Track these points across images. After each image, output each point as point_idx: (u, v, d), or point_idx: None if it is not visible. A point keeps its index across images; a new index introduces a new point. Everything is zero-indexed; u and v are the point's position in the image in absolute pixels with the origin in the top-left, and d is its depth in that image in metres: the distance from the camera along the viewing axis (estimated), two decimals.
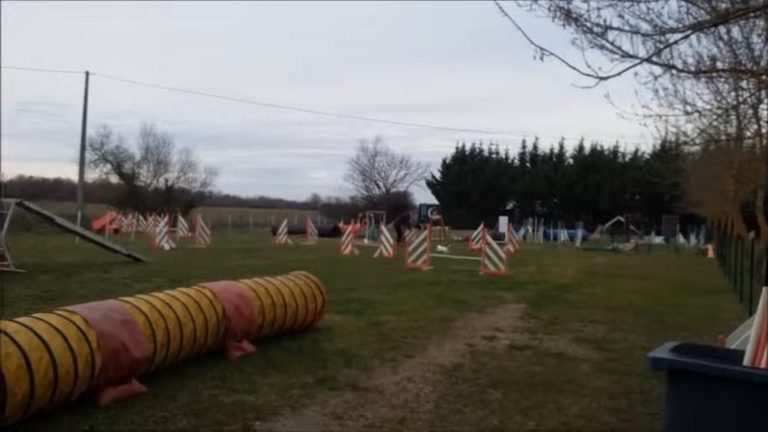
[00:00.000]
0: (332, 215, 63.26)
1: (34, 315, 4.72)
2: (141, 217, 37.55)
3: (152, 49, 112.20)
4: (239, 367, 5.81)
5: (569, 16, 6.18)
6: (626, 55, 6.16)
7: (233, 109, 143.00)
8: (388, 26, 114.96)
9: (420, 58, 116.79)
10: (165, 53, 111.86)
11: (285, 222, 31.09)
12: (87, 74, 39.67)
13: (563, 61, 6.00)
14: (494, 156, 69.68)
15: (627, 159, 61.74)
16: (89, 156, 46.81)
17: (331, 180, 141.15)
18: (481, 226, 24.07)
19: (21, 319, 4.50)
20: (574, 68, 6.06)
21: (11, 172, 76.97)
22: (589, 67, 6.04)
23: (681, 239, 38.59)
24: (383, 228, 23.30)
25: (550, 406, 5.04)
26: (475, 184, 65.70)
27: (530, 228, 42.76)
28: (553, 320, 9.07)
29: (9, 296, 10.05)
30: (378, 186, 72.63)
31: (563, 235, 39.91)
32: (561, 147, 66.12)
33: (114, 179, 52.83)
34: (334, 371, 5.79)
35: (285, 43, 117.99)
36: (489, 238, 17.35)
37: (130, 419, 4.35)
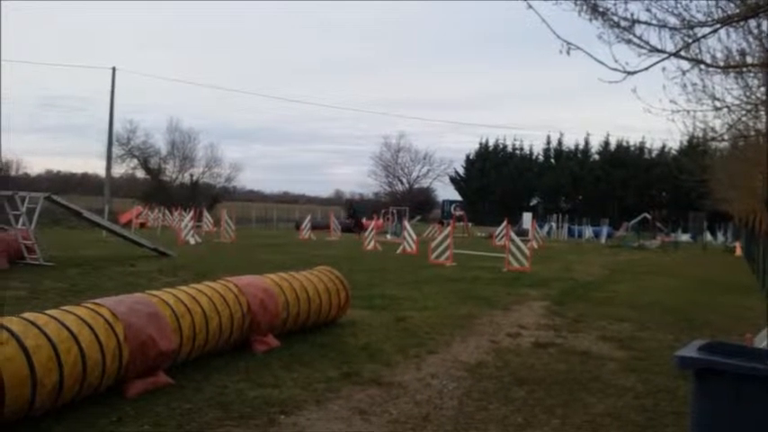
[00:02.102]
0: (355, 211, 63.33)
1: (63, 308, 4.80)
2: (167, 211, 37.94)
3: (178, 45, 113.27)
4: (264, 361, 5.86)
5: (596, 10, 6.11)
6: (653, 49, 6.07)
7: (257, 105, 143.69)
8: (412, 22, 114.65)
9: (444, 54, 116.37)
10: (190, 49, 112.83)
11: (309, 218, 31.24)
12: (114, 69, 40.13)
13: (590, 55, 5.92)
14: (518, 151, 69.16)
15: (653, 155, 60.94)
16: (116, 151, 47.42)
17: (354, 176, 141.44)
18: (505, 222, 23.92)
19: (50, 312, 4.57)
20: (601, 63, 5.98)
21: (39, 167, 78.36)
22: (616, 61, 5.96)
23: (708, 237, 38.02)
24: (406, 224, 23.26)
25: (576, 404, 5.00)
26: (498, 180, 65.31)
27: (554, 224, 42.39)
28: (578, 318, 8.99)
29: (38, 289, 10.24)
30: (401, 182, 72.61)
31: (588, 232, 39.52)
32: (586, 142, 65.45)
33: (141, 174, 53.52)
34: (357, 366, 5.81)
35: (309, 40, 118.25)
36: (513, 235, 17.25)
37: (157, 411, 4.41)
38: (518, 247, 16.27)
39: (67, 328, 4.30)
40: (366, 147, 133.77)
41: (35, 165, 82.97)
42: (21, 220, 14.47)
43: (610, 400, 5.13)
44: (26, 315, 4.40)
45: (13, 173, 47.15)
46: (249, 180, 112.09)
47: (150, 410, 4.42)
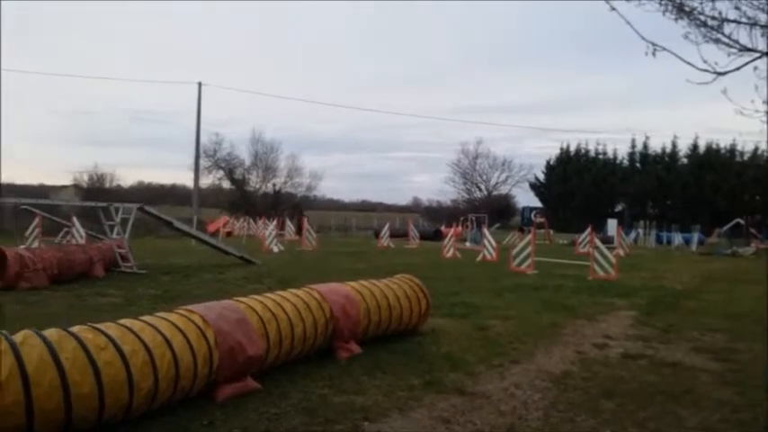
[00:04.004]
0: (433, 218, 63.26)
1: (157, 314, 5.02)
2: (251, 220, 39.02)
3: (260, 58, 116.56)
4: (347, 368, 5.92)
5: (682, 10, 5.89)
6: (744, 48, 5.79)
7: (335, 114, 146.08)
8: (489, 27, 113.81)
9: (522, 58, 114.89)
10: (271, 62, 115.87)
11: (387, 225, 31.42)
12: (200, 84, 41.56)
13: (677, 57, 5.72)
14: (601, 156, 67.25)
15: (746, 158, 57.88)
16: (203, 162, 49.13)
17: (432, 183, 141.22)
18: (589, 229, 23.33)
19: (145, 318, 4.79)
20: (689, 64, 5.76)
21: (131, 178, 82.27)
22: (705, 62, 5.72)
23: None
24: (486, 231, 23.03)
25: (668, 417, 4.81)
26: (581, 185, 63.71)
27: (641, 231, 40.92)
28: (668, 328, 8.64)
29: (132, 295, 10.75)
30: (479, 189, 72.01)
31: (677, 238, 37.89)
32: (674, 145, 62.90)
33: (226, 184, 55.33)
34: (440, 374, 5.78)
35: (386, 49, 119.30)
36: (598, 242, 16.78)
37: (246, 416, 4.53)
38: (603, 255, 15.80)
39: (161, 334, 4.49)
40: (443, 154, 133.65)
41: (128, 177, 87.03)
42: (115, 230, 15.25)
43: (704, 414, 4.90)
44: (123, 321, 4.62)
45: (107, 185, 49.68)
46: (329, 189, 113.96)
47: (239, 415, 4.55)
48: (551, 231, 39.91)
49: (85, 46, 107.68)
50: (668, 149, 63.25)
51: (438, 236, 35.48)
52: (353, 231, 50.38)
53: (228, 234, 35.13)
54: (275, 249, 23.44)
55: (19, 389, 3.54)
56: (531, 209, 48.24)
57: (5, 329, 4.04)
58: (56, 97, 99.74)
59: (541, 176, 69.46)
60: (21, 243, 17.03)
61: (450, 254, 22.36)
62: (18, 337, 3.84)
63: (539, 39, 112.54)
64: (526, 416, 4.76)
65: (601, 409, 4.97)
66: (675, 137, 63.54)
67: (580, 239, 26.56)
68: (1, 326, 4.38)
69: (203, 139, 47.01)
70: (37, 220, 18.42)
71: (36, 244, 16.77)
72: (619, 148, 69.12)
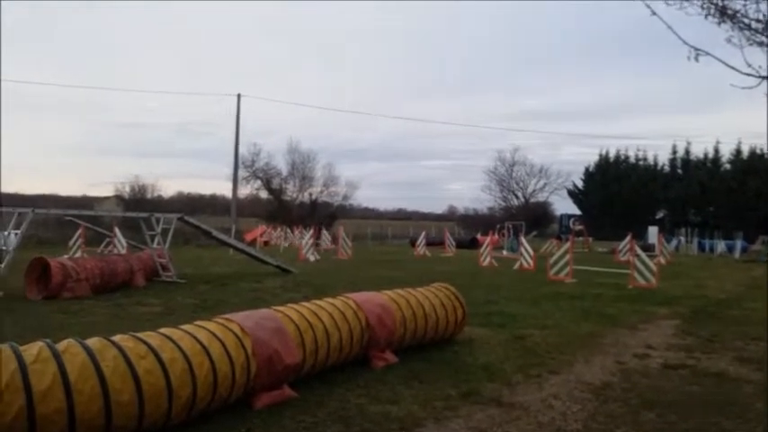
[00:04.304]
0: (469, 226, 62.90)
1: (196, 323, 5.08)
2: (288, 230, 39.34)
3: (296, 68, 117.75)
4: (383, 377, 5.91)
5: (725, 13, 5.78)
6: None
7: (370, 124, 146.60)
8: (525, 32, 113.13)
9: (560, 64, 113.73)
10: (307, 72, 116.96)
11: (423, 234, 31.38)
12: (239, 96, 42.23)
13: (720, 61, 5.60)
14: (641, 162, 66.07)
15: None
16: (241, 173, 49.73)
17: (467, 191, 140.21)
18: (629, 237, 22.94)
19: (184, 327, 4.86)
20: (732, 68, 5.63)
21: (172, 189, 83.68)
22: (749, 65, 5.59)
23: None
24: (523, 239, 22.82)
25: (711, 429, 4.68)
26: (620, 192, 62.66)
27: (682, 238, 40.11)
28: (711, 338, 8.43)
29: (172, 304, 10.92)
30: (516, 197, 71.33)
31: (720, 246, 37.01)
32: (716, 151, 61.45)
33: (264, 194, 55.87)
34: (477, 384, 5.73)
35: (420, 57, 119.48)
36: (638, 250, 16.48)
37: (283, 424, 4.56)
38: (644, 263, 15.50)
39: (200, 343, 4.55)
40: (479, 162, 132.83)
41: (169, 187, 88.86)
42: (156, 240, 15.52)
43: (749, 426, 4.76)
44: (162, 330, 4.69)
45: (148, 195, 50.60)
46: (364, 198, 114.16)
47: (276, 423, 4.57)
48: (590, 239, 39.34)
49: (128, 60, 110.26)
50: (710, 155, 61.89)
51: (474, 244, 35.27)
52: (389, 240, 50.43)
53: (266, 243, 35.48)
54: (311, 258, 23.59)
55: (61, 396, 3.61)
56: (570, 216, 47.65)
57: (50, 338, 4.14)
58: (100, 110, 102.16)
59: (580, 183, 68.57)
60: (64, 253, 17.47)
61: (486, 262, 22.22)
62: (61, 346, 3.93)
63: (576, 44, 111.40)
64: (565, 427, 4.69)
65: (641, 420, 4.86)
66: (718, 142, 62.08)
67: (620, 247, 26.13)
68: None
69: (242, 149, 47.65)
70: (80, 231, 18.87)
71: (79, 254, 17.18)
72: (659, 153, 67.87)
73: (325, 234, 32.86)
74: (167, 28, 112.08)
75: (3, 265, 12.01)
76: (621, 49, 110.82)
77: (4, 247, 12.66)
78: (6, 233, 12.95)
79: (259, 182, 54.71)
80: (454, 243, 31.62)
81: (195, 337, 4.60)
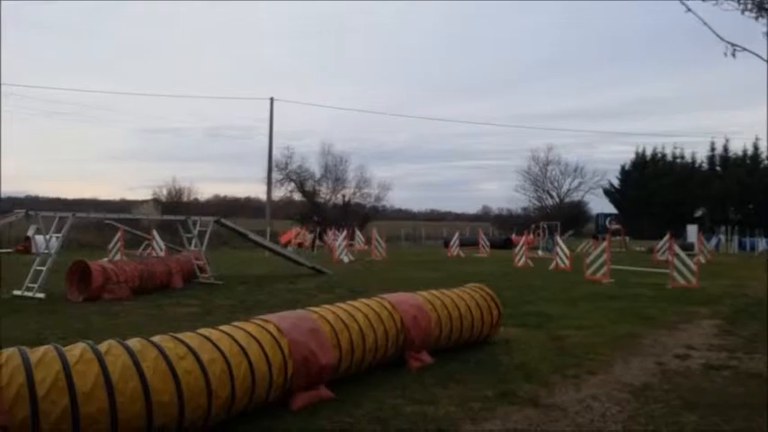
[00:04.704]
0: (503, 227, 62.46)
1: (233, 323, 5.14)
2: (322, 231, 39.51)
3: (329, 71, 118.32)
4: (418, 378, 5.90)
5: (762, 8, 5.66)
6: None
7: (403, 125, 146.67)
8: (557, 31, 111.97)
9: (594, 62, 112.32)
10: (340, 75, 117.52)
11: (457, 234, 31.25)
12: (272, 99, 42.65)
13: (758, 56, 5.48)
14: (678, 160, 64.76)
15: None
16: (275, 175, 50.24)
17: (501, 191, 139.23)
18: (667, 236, 22.53)
19: (222, 327, 4.92)
20: None
21: (208, 192, 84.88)
22: None
23: None
24: (558, 239, 22.58)
25: (754, 431, 4.57)
26: (658, 191, 61.49)
27: (722, 237, 39.21)
28: (754, 338, 8.23)
29: (210, 306, 11.06)
30: (550, 196, 70.56)
31: (761, 244, 36.11)
32: (756, 147, 59.86)
33: (297, 197, 56.29)
34: (513, 385, 5.68)
35: (453, 55, 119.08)
36: (677, 249, 16.17)
37: (320, 424, 4.58)
38: (683, 262, 15.21)
39: (238, 343, 4.60)
40: (513, 161, 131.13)
41: (205, 190, 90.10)
42: (193, 242, 15.75)
43: None
44: (201, 330, 4.76)
45: (185, 199, 51.34)
46: (397, 199, 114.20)
47: (313, 423, 4.59)
48: (627, 238, 38.73)
49: (164, 67, 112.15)
50: (750, 152, 60.41)
51: (509, 244, 35.01)
52: (423, 241, 50.35)
53: (300, 245, 35.73)
54: (345, 260, 23.67)
55: (104, 397, 3.68)
56: (606, 216, 47.03)
57: (91, 339, 4.23)
58: (137, 116, 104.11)
59: (616, 182, 67.53)
60: (104, 256, 17.83)
61: (521, 262, 22.05)
62: (103, 347, 4.01)
63: (609, 41, 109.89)
64: (604, 429, 4.62)
65: (683, 422, 4.77)
66: (757, 138, 60.51)
67: (658, 246, 25.68)
68: None
69: (275, 152, 48.12)
70: (119, 234, 19.22)
71: (118, 257, 17.50)
72: (697, 151, 66.42)
73: (359, 235, 32.93)
74: (203, 33, 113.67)
75: (44, 269, 12.31)
76: (656, 47, 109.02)
77: (45, 251, 12.97)
78: (48, 237, 13.26)
79: (293, 184, 55.20)
80: (488, 243, 31.39)
81: (233, 338, 4.66)
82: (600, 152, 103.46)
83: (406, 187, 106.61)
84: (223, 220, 16.72)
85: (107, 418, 3.67)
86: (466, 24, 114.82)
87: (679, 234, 34.18)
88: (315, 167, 56.31)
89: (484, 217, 79.67)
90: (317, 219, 36.46)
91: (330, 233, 36.61)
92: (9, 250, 29.68)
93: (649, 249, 30.26)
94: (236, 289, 13.82)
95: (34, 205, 25.55)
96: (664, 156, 65.47)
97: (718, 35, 5.60)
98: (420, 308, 6.53)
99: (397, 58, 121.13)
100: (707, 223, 50.11)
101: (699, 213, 57.57)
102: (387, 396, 5.30)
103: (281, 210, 54.26)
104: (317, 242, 33.38)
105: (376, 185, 57.33)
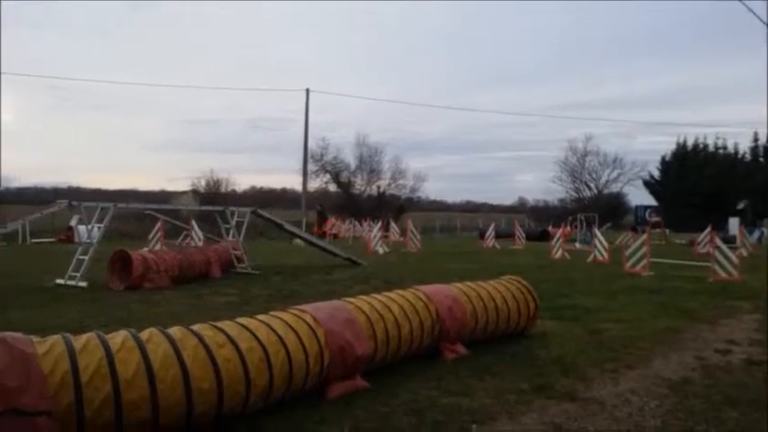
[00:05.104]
0: (540, 218, 61.87)
1: (270, 313, 5.20)
2: (357, 223, 39.70)
3: (364, 62, 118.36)
4: (454, 369, 5.90)
5: None
6: None
7: (438, 115, 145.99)
8: (595, 20, 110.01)
9: (632, 50, 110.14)
10: (375, 65, 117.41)
11: (492, 226, 31.04)
12: (308, 91, 42.76)
13: None
14: (720, 150, 63.40)
15: None
16: (310, 167, 50.57)
17: (537, 182, 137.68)
18: (708, 228, 22.06)
19: (260, 317, 4.98)
20: None
21: (245, 183, 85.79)
22: None
23: None
24: (596, 231, 22.27)
25: None
26: (699, 182, 60.24)
27: (765, 230, 38.19)
28: None
29: (247, 295, 11.21)
30: (588, 188, 69.61)
31: None
32: None
33: (333, 188, 56.62)
34: (550, 379, 5.64)
35: (488, 47, 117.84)
36: (719, 242, 15.82)
37: (356, 414, 4.61)
38: (725, 255, 14.87)
39: (275, 332, 4.66)
40: (549, 152, 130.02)
41: (242, 181, 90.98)
42: (231, 233, 15.96)
43: None
44: (239, 319, 4.83)
45: (222, 190, 52.03)
46: (432, 190, 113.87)
47: (349, 413, 4.63)
48: (667, 231, 38.02)
49: (202, 60, 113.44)
50: None
51: (545, 236, 34.63)
52: (458, 232, 50.17)
53: (335, 236, 35.90)
54: (380, 251, 23.72)
55: (145, 384, 3.76)
56: (646, 207, 46.28)
57: (133, 327, 4.32)
58: (177, 108, 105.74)
59: (656, 173, 66.37)
60: (144, 246, 18.18)
61: (558, 255, 21.82)
62: (144, 335, 4.09)
63: (650, 28, 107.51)
64: (643, 423, 4.56)
65: (723, 418, 4.68)
66: None
67: (699, 239, 25.17)
68: None
69: (311, 143, 48.33)
70: (159, 224, 19.56)
71: (158, 246, 17.82)
72: (740, 141, 64.81)
73: (394, 227, 32.97)
74: (239, 25, 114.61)
75: (87, 258, 12.60)
76: (698, 35, 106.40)
77: (87, 240, 13.28)
78: (90, 227, 13.57)
79: (328, 175, 55.50)
80: (524, 235, 31.12)
81: (271, 327, 4.71)
82: (639, 142, 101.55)
83: (442, 178, 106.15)
84: (259, 211, 16.91)
85: (148, 404, 3.75)
86: (505, 13, 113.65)
87: (721, 226, 33.44)
88: (350, 158, 56.57)
89: (520, 208, 79.05)
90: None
91: (365, 224, 36.71)
92: (52, 240, 30.50)
93: (690, 242, 29.67)
94: (272, 279, 13.97)
95: (76, 196, 26.13)
96: (705, 146, 64.18)
97: (763, 21, 5.44)
98: (455, 299, 6.52)
99: (434, 48, 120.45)
100: (749, 216, 48.86)
101: (741, 206, 56.15)
102: (422, 387, 5.31)
103: (317, 201, 54.59)
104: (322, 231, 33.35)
105: (411, 176, 57.36)
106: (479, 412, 4.70)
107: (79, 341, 3.82)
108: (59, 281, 12.52)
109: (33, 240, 29.72)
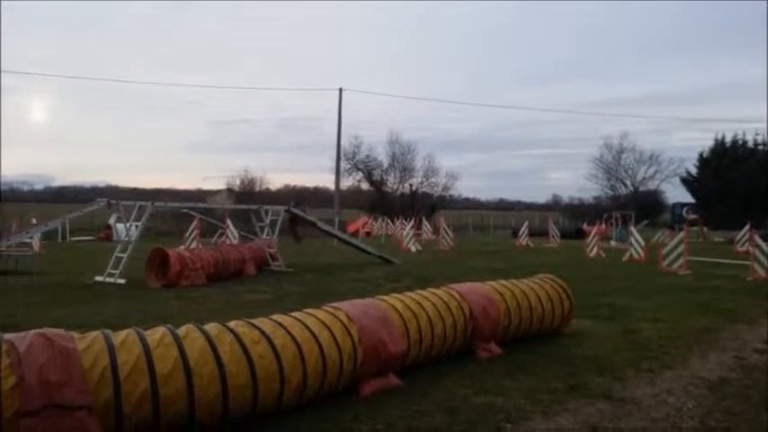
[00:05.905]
0: (574, 216, 61.08)
1: (304, 310, 5.25)
2: (389, 221, 39.71)
3: (397, 60, 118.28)
4: (488, 368, 5.87)
5: None
6: None
7: (472, 113, 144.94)
8: (631, 15, 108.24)
9: (668, 45, 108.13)
10: (408, 64, 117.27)
11: (526, 224, 30.75)
12: (341, 90, 42.96)
13: None
14: (760, 147, 61.65)
15: None
16: (343, 165, 50.73)
17: (572, 180, 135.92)
18: (747, 226, 21.59)
19: (294, 314, 5.03)
20: None
21: (279, 182, 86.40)
22: None
23: None
24: (632, 229, 21.92)
25: None
26: (738, 179, 58.77)
27: None
28: None
29: (281, 292, 11.31)
30: (624, 185, 68.41)
31: None
32: None
33: (365, 186, 56.68)
34: (585, 378, 5.59)
35: (522, 45, 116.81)
36: (758, 240, 15.46)
37: (389, 412, 4.62)
38: (765, 253, 14.53)
39: (309, 330, 4.70)
40: (584, 149, 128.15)
41: (275, 180, 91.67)
42: (265, 231, 16.12)
43: None
44: (274, 316, 4.88)
45: (257, 188, 52.49)
46: (465, 188, 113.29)
47: (382, 410, 4.64)
48: (705, 229, 37.26)
49: (238, 61, 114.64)
50: None
51: (580, 234, 34.20)
52: (491, 230, 49.84)
53: (368, 234, 35.96)
54: (413, 249, 23.70)
55: (182, 379, 3.83)
56: (683, 205, 45.38)
57: (170, 323, 4.40)
58: (211, 109, 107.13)
59: (694, 170, 64.89)
60: (181, 244, 18.45)
61: (593, 253, 21.54)
62: (181, 331, 4.17)
63: (686, 28, 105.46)
64: (680, 424, 4.49)
65: (762, 419, 4.58)
66: None
67: (738, 237, 24.63)
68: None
69: (343, 142, 48.53)
70: (195, 223, 19.81)
71: (195, 245, 18.06)
72: None
73: (426, 225, 32.90)
74: (272, 26, 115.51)
75: (125, 255, 12.85)
76: (735, 29, 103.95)
77: (126, 238, 13.53)
78: (128, 225, 13.83)
79: (360, 174, 55.58)
80: (558, 233, 30.78)
81: (305, 324, 4.76)
82: (676, 139, 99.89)
83: (475, 176, 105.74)
84: (293, 210, 17.03)
85: (185, 399, 3.82)
86: (541, 10, 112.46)
87: (760, 224, 32.64)
88: (382, 157, 56.53)
89: (554, 206, 78.16)
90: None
91: (397, 223, 36.71)
92: (91, 238, 31.16)
93: (729, 240, 29.05)
94: (305, 277, 14.07)
95: (115, 195, 26.66)
96: (744, 143, 62.47)
97: None
98: (489, 298, 6.49)
99: (467, 46, 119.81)
100: None
101: None
102: (455, 386, 5.31)
103: (349, 199, 54.76)
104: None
105: (444, 175, 57.09)
106: (513, 411, 4.68)
107: (118, 337, 3.91)
108: (98, 278, 12.79)
109: (73, 238, 30.40)
